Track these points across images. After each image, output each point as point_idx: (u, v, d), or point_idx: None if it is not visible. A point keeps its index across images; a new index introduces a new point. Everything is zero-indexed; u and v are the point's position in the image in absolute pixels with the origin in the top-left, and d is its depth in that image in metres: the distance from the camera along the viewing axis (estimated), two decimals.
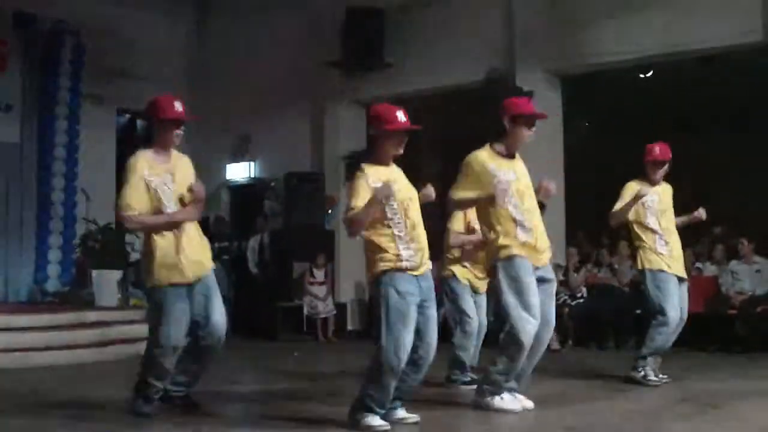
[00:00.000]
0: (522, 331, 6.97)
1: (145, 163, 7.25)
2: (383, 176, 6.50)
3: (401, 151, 6.77)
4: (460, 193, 7.46)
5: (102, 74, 17.20)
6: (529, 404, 7.28)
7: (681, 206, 9.56)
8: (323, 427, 6.63)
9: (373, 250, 6.50)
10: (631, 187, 9.29)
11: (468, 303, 8.91)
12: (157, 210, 7.08)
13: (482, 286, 8.94)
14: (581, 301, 13.96)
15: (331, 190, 17.06)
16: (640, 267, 9.35)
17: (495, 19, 15.76)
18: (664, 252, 9.19)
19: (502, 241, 7.23)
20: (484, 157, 7.48)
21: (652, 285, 9.15)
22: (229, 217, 19.11)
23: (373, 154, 6.74)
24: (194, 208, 6.98)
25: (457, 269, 8.99)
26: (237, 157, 18.95)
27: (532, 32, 15.16)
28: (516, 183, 7.36)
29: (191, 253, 7.10)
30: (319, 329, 15.47)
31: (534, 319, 7.00)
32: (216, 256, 17.03)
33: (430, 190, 6.85)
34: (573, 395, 8.24)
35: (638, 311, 12.82)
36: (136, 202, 7.06)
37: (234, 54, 18.53)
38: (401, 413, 6.65)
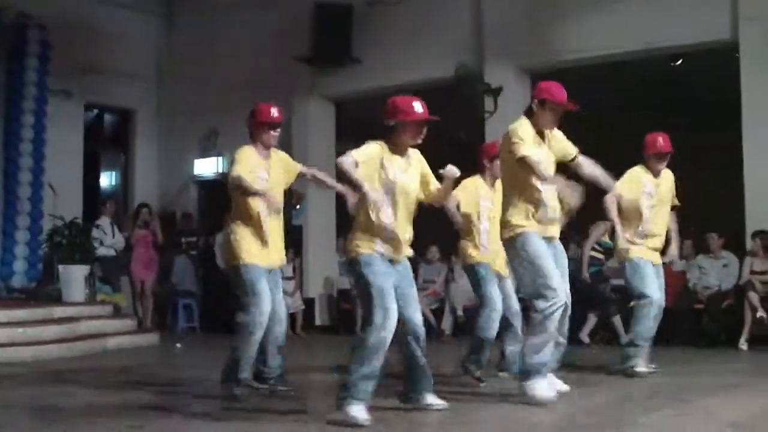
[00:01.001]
0: None
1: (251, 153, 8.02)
2: (395, 165, 6.62)
3: (419, 141, 6.80)
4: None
5: (69, 69, 17.10)
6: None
7: None
8: (303, 421, 6.62)
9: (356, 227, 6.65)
10: (636, 175, 9.45)
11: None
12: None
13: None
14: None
15: (299, 185, 16.96)
16: (618, 260, 9.54)
17: (464, 15, 15.78)
18: (639, 241, 9.31)
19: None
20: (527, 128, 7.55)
21: (631, 274, 9.33)
22: (197, 212, 19.05)
23: (389, 143, 6.70)
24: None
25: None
26: (205, 152, 18.88)
27: (501, 28, 15.19)
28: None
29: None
30: (288, 324, 15.38)
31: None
32: (183, 251, 17.17)
33: (452, 170, 6.78)
34: None
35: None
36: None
37: (203, 49, 18.47)
38: (430, 399, 6.77)
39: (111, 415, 6.92)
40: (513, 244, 7.45)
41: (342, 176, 6.58)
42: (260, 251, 7.70)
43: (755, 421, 6.43)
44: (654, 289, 9.24)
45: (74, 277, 14.42)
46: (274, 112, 8.12)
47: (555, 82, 7.70)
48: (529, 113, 7.60)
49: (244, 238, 7.72)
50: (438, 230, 10.43)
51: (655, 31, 13.84)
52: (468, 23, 15.70)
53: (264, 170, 7.95)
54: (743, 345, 12.10)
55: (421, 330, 6.76)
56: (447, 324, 14.77)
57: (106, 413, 6.95)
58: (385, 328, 6.30)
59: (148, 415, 6.91)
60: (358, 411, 6.18)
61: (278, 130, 8.18)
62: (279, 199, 7.97)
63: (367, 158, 6.46)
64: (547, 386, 7.21)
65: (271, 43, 17.54)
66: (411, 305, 6.67)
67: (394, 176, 6.58)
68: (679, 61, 15.18)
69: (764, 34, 13.17)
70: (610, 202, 9.22)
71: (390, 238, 6.55)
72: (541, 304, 7.22)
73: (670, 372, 9.50)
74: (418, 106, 6.75)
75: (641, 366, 9.11)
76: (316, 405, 6.45)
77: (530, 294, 7.44)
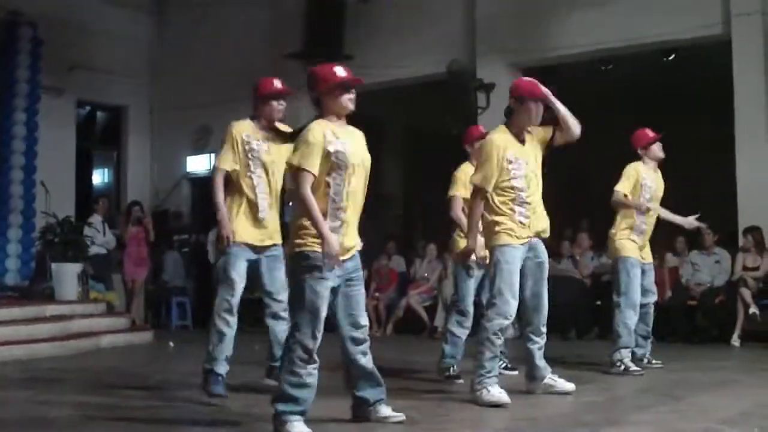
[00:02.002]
0: None
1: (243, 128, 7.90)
2: (339, 133, 6.11)
3: (351, 107, 6.28)
4: None
5: (61, 66, 17.09)
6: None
7: None
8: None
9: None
10: (635, 171, 9.46)
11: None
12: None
13: None
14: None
15: (291, 183, 16.94)
16: (613, 255, 9.54)
17: (456, 12, 15.80)
18: (637, 240, 9.39)
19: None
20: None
21: (621, 271, 9.36)
22: (189, 210, 19.05)
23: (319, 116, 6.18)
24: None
25: None
26: (197, 149, 18.87)
27: (493, 24, 15.21)
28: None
29: None
30: None
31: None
32: (175, 249, 17.17)
33: None
34: None
35: (598, 302, 12.90)
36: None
37: (195, 45, 18.47)
38: (385, 411, 6.31)
39: (101, 423, 6.88)
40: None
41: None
42: (252, 229, 7.67)
43: (747, 417, 6.43)
44: (637, 291, 9.30)
45: (67, 275, 14.39)
46: (277, 83, 8.07)
47: (528, 78, 7.71)
48: (510, 113, 7.58)
49: (233, 218, 7.68)
50: (433, 228, 10.43)
51: (647, 27, 13.86)
52: (460, 19, 15.71)
53: (260, 141, 7.82)
54: (735, 341, 12.11)
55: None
56: (440, 321, 14.78)
57: (97, 421, 6.90)
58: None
59: (138, 425, 6.88)
60: (299, 426, 5.85)
61: (283, 102, 8.07)
62: (278, 178, 7.90)
63: (314, 163, 5.97)
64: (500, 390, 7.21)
65: (262, 40, 17.53)
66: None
67: (345, 148, 6.10)
68: (672, 57, 15.18)
69: (757, 29, 13.19)
70: (618, 199, 9.31)
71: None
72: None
73: (663, 368, 9.53)
74: (339, 70, 6.28)
75: (633, 366, 9.13)
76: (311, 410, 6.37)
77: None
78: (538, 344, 7.71)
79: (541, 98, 7.50)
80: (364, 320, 6.26)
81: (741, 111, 13.19)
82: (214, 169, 7.76)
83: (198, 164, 19.00)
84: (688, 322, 12.99)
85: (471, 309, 8.83)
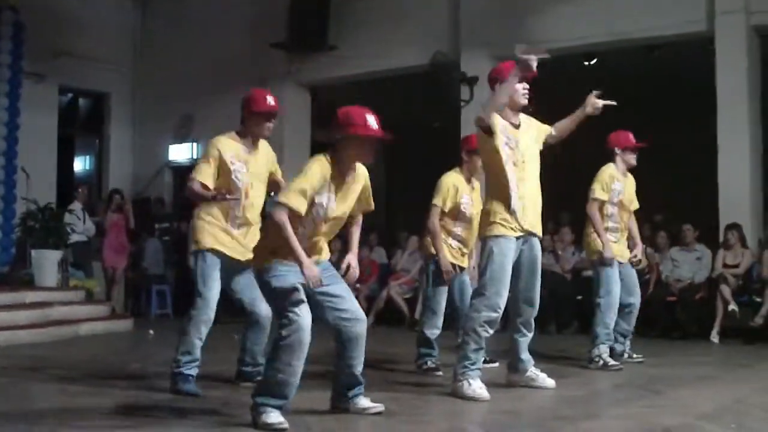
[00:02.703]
0: None
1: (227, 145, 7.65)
2: (334, 190, 6.06)
3: (370, 161, 6.23)
4: None
5: (43, 52, 17.00)
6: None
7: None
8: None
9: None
10: (609, 177, 9.48)
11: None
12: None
13: None
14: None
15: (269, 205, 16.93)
16: (591, 255, 9.57)
17: (441, 4, 15.82)
18: (612, 237, 9.41)
19: None
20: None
21: (602, 270, 9.37)
22: (171, 198, 19.00)
23: (335, 159, 6.09)
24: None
25: None
26: (180, 138, 18.82)
27: (478, 17, 15.21)
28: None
29: None
30: None
31: None
32: (157, 237, 17.13)
33: None
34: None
35: (579, 297, 12.92)
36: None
37: (178, 33, 18.42)
38: (364, 402, 6.35)
39: (79, 410, 6.86)
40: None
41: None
42: (229, 239, 7.50)
43: (725, 412, 6.46)
44: (617, 288, 9.32)
45: (47, 261, 14.35)
46: (271, 100, 7.67)
47: (503, 64, 7.68)
48: None
49: (211, 223, 7.50)
50: (415, 219, 10.44)
51: (631, 23, 13.89)
52: (444, 12, 15.71)
53: (242, 162, 7.58)
54: (715, 337, 12.15)
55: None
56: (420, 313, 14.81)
57: (75, 409, 6.87)
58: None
59: (117, 413, 6.85)
60: (276, 417, 5.84)
61: (274, 120, 7.73)
62: (260, 193, 7.80)
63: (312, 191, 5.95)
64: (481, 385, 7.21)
65: (247, 29, 17.51)
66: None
67: (329, 205, 6.05)
68: (656, 53, 15.20)
69: (740, 27, 13.24)
70: (594, 214, 9.32)
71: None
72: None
73: (642, 363, 9.56)
74: (372, 121, 6.13)
75: (611, 360, 9.17)
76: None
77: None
78: (526, 337, 7.72)
79: (522, 72, 7.47)
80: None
81: (723, 108, 13.23)
82: (192, 180, 7.37)
83: (180, 153, 18.95)
84: (668, 318, 13.02)
85: (441, 308, 8.97)
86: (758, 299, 12.19)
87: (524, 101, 7.54)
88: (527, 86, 7.47)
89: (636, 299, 9.65)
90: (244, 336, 7.77)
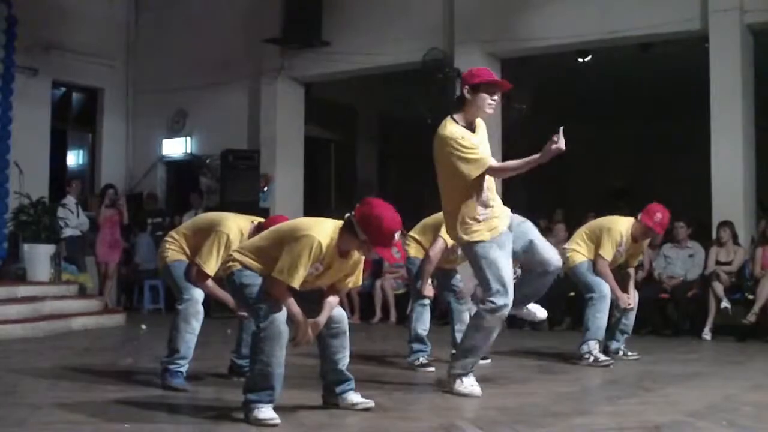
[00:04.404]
0: None
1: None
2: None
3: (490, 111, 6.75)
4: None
5: (36, 46, 16.98)
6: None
7: (616, 186, 9.67)
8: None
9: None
10: (619, 236, 9.44)
11: None
12: None
13: None
14: (515, 282, 13.97)
15: (266, 168, 16.99)
16: (570, 264, 9.62)
17: (435, 0, 15.78)
18: None
19: None
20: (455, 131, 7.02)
21: (582, 272, 9.53)
22: (164, 193, 19.00)
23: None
24: None
25: None
26: (173, 133, 18.80)
27: (472, 13, 15.20)
28: None
29: None
30: None
31: None
32: (149, 232, 17.11)
33: None
34: (505, 376, 8.29)
35: (572, 294, 12.92)
36: None
37: (172, 28, 18.39)
38: (354, 398, 6.38)
39: (71, 405, 6.85)
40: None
41: None
42: None
43: (716, 410, 6.47)
44: (605, 284, 9.37)
45: (39, 256, 14.35)
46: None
47: (480, 68, 7.49)
48: (460, 104, 7.14)
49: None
50: (407, 215, 10.43)
51: (625, 20, 13.89)
52: (438, 8, 15.70)
53: None
54: (707, 335, 12.16)
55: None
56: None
57: (67, 404, 6.85)
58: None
59: (108, 407, 6.85)
60: (267, 412, 5.87)
61: None
62: None
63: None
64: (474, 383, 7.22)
65: (240, 24, 17.52)
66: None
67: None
68: (649, 51, 15.22)
69: (734, 26, 13.24)
70: (606, 273, 9.40)
71: None
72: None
73: (634, 360, 9.58)
74: (389, 236, 6.03)
75: (604, 357, 9.18)
76: (281, 397, 6.35)
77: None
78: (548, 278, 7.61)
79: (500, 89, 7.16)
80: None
81: (716, 106, 13.24)
82: (199, 271, 7.30)
83: (173, 147, 18.93)
84: (660, 315, 13.05)
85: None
86: (750, 297, 12.20)
87: (490, 112, 7.14)
88: (495, 99, 7.06)
89: (633, 300, 9.66)
90: (239, 329, 7.80)
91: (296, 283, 5.86)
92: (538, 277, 7.52)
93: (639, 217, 9.45)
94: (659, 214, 9.39)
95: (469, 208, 7.02)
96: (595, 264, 9.44)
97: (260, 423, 5.80)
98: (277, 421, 5.80)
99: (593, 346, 9.19)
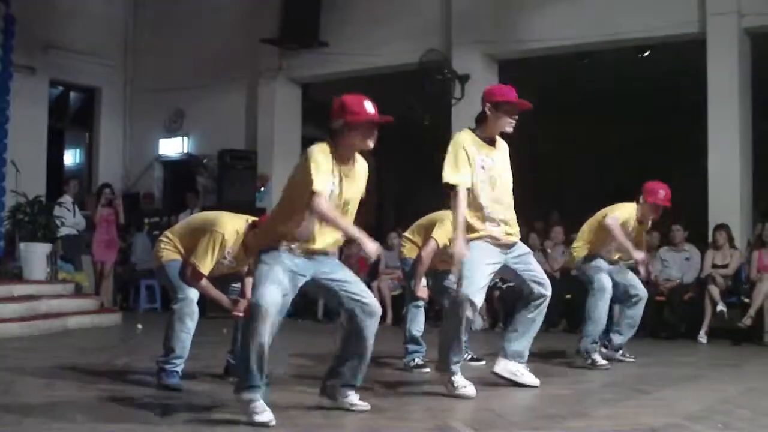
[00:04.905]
0: None
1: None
2: (339, 174, 6.08)
3: (371, 145, 6.18)
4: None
5: (34, 45, 16.99)
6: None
7: (613, 188, 9.67)
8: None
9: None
10: (629, 214, 9.48)
11: None
12: None
13: None
14: (512, 284, 13.96)
15: (264, 168, 17.00)
16: (573, 263, 9.84)
17: (433, 1, 15.81)
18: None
19: None
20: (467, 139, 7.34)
21: (587, 269, 9.53)
22: (161, 192, 19.00)
23: (336, 147, 6.10)
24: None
25: None
26: (170, 132, 18.81)
27: (470, 15, 15.22)
28: (491, 170, 7.36)
29: None
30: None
31: None
32: (146, 231, 17.11)
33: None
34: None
35: (568, 296, 12.92)
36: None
37: (170, 28, 18.42)
38: (353, 399, 6.40)
39: (66, 403, 6.83)
40: None
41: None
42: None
43: (712, 413, 6.46)
44: (607, 280, 9.37)
45: (36, 255, 14.32)
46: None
47: (503, 85, 7.64)
48: (481, 119, 7.42)
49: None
50: (405, 217, 10.45)
51: (622, 23, 13.92)
52: (436, 9, 15.72)
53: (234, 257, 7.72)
54: (702, 338, 12.17)
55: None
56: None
57: (62, 402, 6.84)
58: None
59: (104, 406, 6.85)
60: (264, 414, 5.85)
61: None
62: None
63: (325, 180, 5.97)
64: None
65: (238, 24, 17.53)
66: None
67: (338, 188, 6.10)
68: (647, 53, 15.23)
69: (732, 29, 13.26)
70: (615, 225, 9.32)
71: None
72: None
73: (629, 363, 9.59)
74: (369, 106, 6.18)
75: (601, 361, 9.19)
76: (274, 397, 6.35)
77: None
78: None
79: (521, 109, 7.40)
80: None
81: (714, 109, 13.26)
82: (194, 270, 7.28)
83: (170, 147, 18.94)
84: (656, 318, 13.05)
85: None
86: (746, 300, 12.21)
87: (509, 130, 7.43)
88: (515, 118, 7.37)
89: (640, 291, 9.63)
90: (234, 329, 7.81)
91: (322, 186, 5.90)
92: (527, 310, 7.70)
93: (641, 199, 9.50)
94: (662, 190, 9.47)
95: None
96: (604, 226, 9.39)
97: (256, 424, 5.79)
98: (273, 423, 5.79)
99: (592, 349, 9.19)
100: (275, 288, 5.90)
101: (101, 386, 7.51)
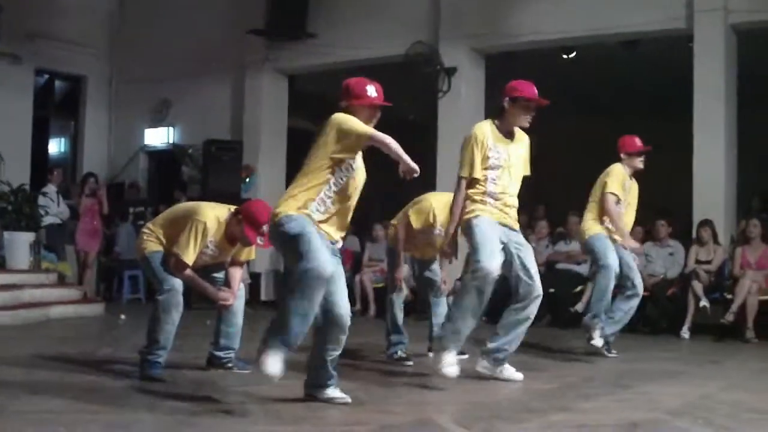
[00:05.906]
0: None
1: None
2: None
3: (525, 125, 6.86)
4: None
5: (19, 33, 16.91)
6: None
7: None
8: (240, 402, 6.58)
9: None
10: (622, 174, 9.66)
11: None
12: None
13: None
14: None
15: (249, 158, 16.95)
16: (585, 236, 9.71)
17: None
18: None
19: None
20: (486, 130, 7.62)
21: (597, 244, 9.55)
22: (146, 183, 18.95)
23: None
24: None
25: None
26: (156, 122, 18.77)
27: (457, 8, 15.21)
28: (502, 161, 7.55)
29: None
30: None
31: None
32: (130, 221, 17.06)
33: None
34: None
35: (552, 290, 12.93)
36: None
37: (157, 18, 18.36)
38: (333, 392, 6.36)
39: (47, 393, 6.82)
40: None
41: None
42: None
43: (693, 408, 6.48)
44: (614, 258, 9.41)
45: (19, 244, 14.27)
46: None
47: (523, 81, 7.71)
48: (500, 112, 7.67)
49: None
50: (389, 209, 10.43)
51: (610, 18, 13.92)
52: (424, 2, 15.70)
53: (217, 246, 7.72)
54: (685, 333, 12.19)
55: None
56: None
57: (43, 392, 6.83)
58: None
59: (85, 396, 6.83)
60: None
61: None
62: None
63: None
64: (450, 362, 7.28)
65: (225, 15, 17.48)
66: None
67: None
68: (634, 48, 15.24)
69: (719, 25, 13.28)
70: (614, 208, 9.45)
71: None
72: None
73: (611, 358, 9.61)
74: (372, 90, 6.38)
75: (597, 339, 9.26)
76: (260, 389, 6.35)
77: None
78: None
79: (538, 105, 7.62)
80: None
81: (699, 105, 13.29)
82: (178, 260, 7.35)
83: (156, 137, 18.89)
84: (639, 313, 13.05)
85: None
86: (729, 296, 12.23)
87: (525, 125, 7.71)
88: (531, 114, 7.65)
89: (638, 286, 9.70)
90: (217, 321, 7.81)
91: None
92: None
93: (623, 154, 9.73)
94: (635, 138, 9.79)
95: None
96: (604, 202, 9.52)
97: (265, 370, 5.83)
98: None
99: (592, 324, 9.37)
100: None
101: (83, 376, 7.50)
